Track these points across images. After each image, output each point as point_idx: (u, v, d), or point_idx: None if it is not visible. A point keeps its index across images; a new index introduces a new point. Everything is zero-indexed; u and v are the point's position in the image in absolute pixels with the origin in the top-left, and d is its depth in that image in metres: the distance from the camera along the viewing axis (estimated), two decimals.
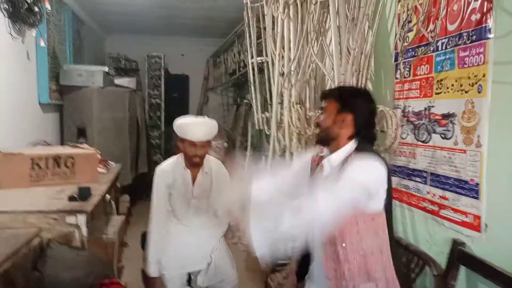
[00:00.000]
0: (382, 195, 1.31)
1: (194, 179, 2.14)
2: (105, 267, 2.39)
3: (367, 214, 1.33)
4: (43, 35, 3.74)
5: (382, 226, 1.34)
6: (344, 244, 1.33)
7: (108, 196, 2.62)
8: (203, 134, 2.03)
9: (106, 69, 4.66)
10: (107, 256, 2.57)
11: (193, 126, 2.04)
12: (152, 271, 2.16)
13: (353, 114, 1.37)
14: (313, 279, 1.53)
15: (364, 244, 1.31)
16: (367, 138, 1.40)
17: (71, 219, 2.11)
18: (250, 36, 3.94)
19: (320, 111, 1.51)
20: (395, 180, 2.21)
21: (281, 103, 3.27)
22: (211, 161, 2.22)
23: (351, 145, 1.38)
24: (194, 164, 2.09)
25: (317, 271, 1.47)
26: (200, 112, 7.27)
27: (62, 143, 4.40)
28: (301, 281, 1.59)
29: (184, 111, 6.95)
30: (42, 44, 3.73)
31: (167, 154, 6.85)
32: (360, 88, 1.49)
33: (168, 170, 2.16)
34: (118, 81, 5.34)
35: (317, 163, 1.49)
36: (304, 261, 1.55)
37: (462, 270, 1.76)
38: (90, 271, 2.05)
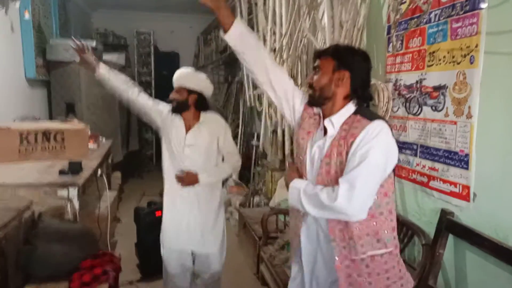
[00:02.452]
0: (393, 162, 1.29)
1: (188, 128, 2.19)
2: (98, 240, 2.40)
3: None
4: (28, 7, 3.62)
5: (391, 187, 1.32)
6: None
7: (99, 171, 2.60)
8: (176, 77, 2.18)
9: (94, 44, 4.55)
10: (100, 230, 2.57)
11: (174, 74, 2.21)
12: None
13: (351, 72, 1.31)
14: (305, 250, 1.45)
15: (374, 204, 1.26)
16: (363, 99, 1.35)
17: (62, 192, 2.10)
18: (241, 12, 3.88)
19: (313, 71, 1.40)
20: None
21: None
22: (211, 115, 2.26)
23: (350, 105, 1.33)
24: (173, 109, 2.18)
25: (312, 236, 1.42)
26: None
27: (51, 119, 4.33)
28: None
29: None
30: (27, 16, 3.61)
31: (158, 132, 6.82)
32: (356, 47, 1.38)
33: (167, 106, 2.24)
34: (106, 57, 5.21)
35: (312, 118, 1.42)
36: None
37: (450, 238, 1.80)
38: (83, 244, 2.05)
